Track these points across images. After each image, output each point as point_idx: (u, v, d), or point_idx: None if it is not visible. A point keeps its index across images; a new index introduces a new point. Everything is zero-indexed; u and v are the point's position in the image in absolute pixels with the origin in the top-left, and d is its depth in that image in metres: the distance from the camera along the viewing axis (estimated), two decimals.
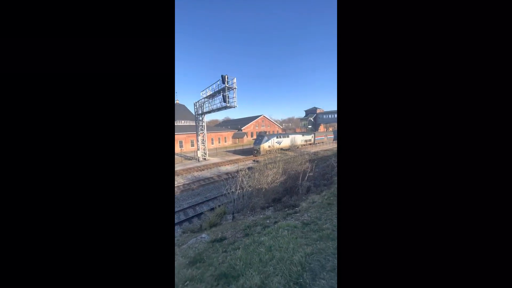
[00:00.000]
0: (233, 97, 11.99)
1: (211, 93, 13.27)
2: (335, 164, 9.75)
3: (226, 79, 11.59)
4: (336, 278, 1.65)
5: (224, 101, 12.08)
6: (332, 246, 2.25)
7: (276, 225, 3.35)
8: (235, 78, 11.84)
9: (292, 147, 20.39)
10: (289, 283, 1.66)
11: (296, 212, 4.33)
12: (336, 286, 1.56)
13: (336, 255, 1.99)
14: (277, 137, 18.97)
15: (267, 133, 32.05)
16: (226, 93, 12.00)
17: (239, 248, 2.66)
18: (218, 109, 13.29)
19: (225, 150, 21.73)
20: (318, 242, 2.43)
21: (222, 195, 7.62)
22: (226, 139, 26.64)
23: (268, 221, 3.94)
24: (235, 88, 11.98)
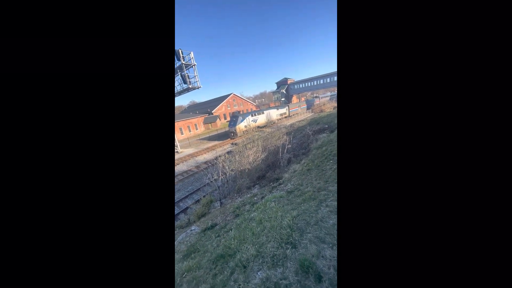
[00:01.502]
0: (195, 76, 10.71)
1: None
2: (310, 133, 10.57)
3: (181, 55, 10.02)
4: (320, 230, 1.97)
5: (185, 82, 10.76)
6: (313, 204, 2.61)
7: (263, 200, 3.62)
8: (191, 52, 10.32)
9: (269, 123, 20.89)
10: (281, 245, 1.91)
11: (280, 184, 4.73)
12: (320, 235, 1.88)
13: (317, 212, 2.35)
14: (252, 115, 18.86)
15: (241, 112, 31.30)
16: (185, 72, 10.60)
17: (231, 229, 2.83)
18: (179, 93, 11.82)
19: (198, 138, 20.66)
20: (302, 204, 2.77)
21: (205, 185, 7.58)
22: (197, 126, 24.99)
23: (255, 198, 4.21)
24: (194, 65, 10.60)
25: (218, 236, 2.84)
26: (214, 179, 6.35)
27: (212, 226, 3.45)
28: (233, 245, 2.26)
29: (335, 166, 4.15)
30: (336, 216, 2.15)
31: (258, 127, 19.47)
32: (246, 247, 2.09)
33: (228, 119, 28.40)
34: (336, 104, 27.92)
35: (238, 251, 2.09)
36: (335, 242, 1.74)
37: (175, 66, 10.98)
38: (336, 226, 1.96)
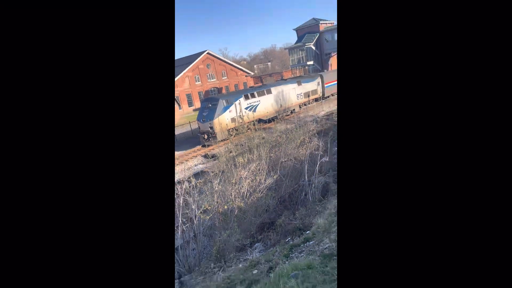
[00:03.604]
0: None
1: None
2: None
3: None
4: None
5: None
6: None
7: (272, 275, 3.55)
8: None
9: (281, 113, 20.95)
10: None
11: (307, 240, 4.67)
12: None
13: None
14: (247, 97, 18.87)
15: (224, 91, 31.24)
16: None
17: None
18: None
19: None
20: None
21: None
22: None
23: (255, 272, 4.13)
24: None
25: None
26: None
27: None
28: None
29: None
30: None
31: (260, 120, 19.46)
32: None
33: (198, 105, 27.94)
34: None
35: None
36: None
37: None
38: None
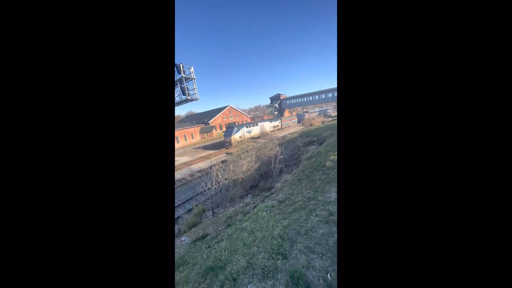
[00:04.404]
0: (194, 88, 10.89)
1: None
2: (301, 145, 10.78)
3: (182, 69, 10.28)
4: (310, 239, 1.93)
5: (184, 94, 10.88)
6: (304, 214, 2.58)
7: (255, 209, 3.52)
8: (192, 67, 10.64)
9: (262, 135, 21.13)
10: (272, 255, 1.84)
11: (272, 194, 4.65)
12: (310, 245, 1.84)
13: (306, 221, 2.31)
14: (247, 127, 19.10)
15: (236, 123, 31.71)
16: (184, 84, 10.78)
17: (222, 240, 2.69)
18: (178, 103, 11.89)
19: (194, 147, 20.26)
20: (293, 213, 2.73)
21: (198, 194, 7.27)
22: (194, 135, 24.69)
23: (248, 208, 4.08)
24: (194, 78, 10.86)
25: (209, 247, 2.68)
26: (208, 188, 6.13)
27: (203, 237, 3.25)
28: (223, 257, 2.13)
29: (324, 177, 4.19)
30: (325, 225, 2.13)
31: (252, 138, 19.58)
32: (237, 259, 1.98)
33: (224, 129, 28.47)
34: (324, 119, 29.05)
35: (229, 263, 1.97)
36: (325, 252, 1.70)
37: (175, 79, 11.16)
38: (325, 236, 1.93)
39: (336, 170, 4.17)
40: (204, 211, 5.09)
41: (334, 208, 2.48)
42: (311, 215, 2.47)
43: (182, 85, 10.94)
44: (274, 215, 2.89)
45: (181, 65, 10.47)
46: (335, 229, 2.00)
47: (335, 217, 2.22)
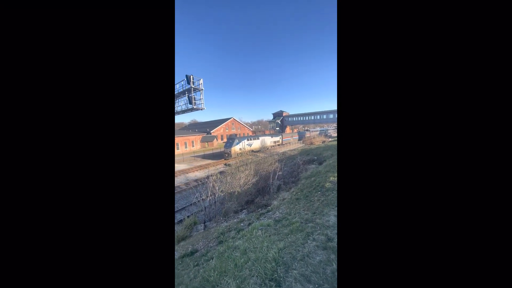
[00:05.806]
0: (200, 99, 11.37)
1: (174, 93, 12.14)
2: (301, 163, 10.73)
3: (192, 80, 10.89)
4: (306, 266, 1.82)
5: (190, 103, 11.30)
6: (301, 237, 2.46)
7: (250, 227, 3.37)
8: (201, 79, 11.29)
9: (262, 149, 21.17)
10: (265, 281, 1.71)
11: (268, 211, 4.49)
12: (306, 273, 1.72)
13: (303, 245, 2.20)
14: (248, 140, 19.27)
15: (238, 135, 31.98)
16: (192, 94, 11.28)
17: (212, 258, 2.52)
18: (183, 111, 12.27)
19: (193, 155, 20.17)
20: (289, 235, 2.60)
21: (191, 205, 7.00)
22: (194, 143, 24.81)
23: (242, 224, 3.90)
24: (202, 90, 11.41)
25: (197, 265, 2.49)
26: (202, 199, 5.94)
27: (192, 253, 3.05)
28: (212, 278, 1.97)
29: (323, 198, 4.10)
30: (322, 252, 2.02)
31: (252, 151, 19.60)
32: (227, 281, 1.83)
33: (225, 140, 28.61)
34: (324, 139, 29.42)
35: (217, 286, 1.82)
36: (321, 282, 1.59)
37: (184, 88, 11.75)
38: (322, 264, 1.82)
39: (335, 192, 4.09)
40: (195, 223, 4.85)
41: (332, 233, 2.38)
42: (308, 239, 2.35)
43: (190, 95, 11.45)
44: (269, 235, 2.76)
45: (191, 76, 11.15)
46: (333, 256, 1.90)
47: (334, 244, 2.12)
